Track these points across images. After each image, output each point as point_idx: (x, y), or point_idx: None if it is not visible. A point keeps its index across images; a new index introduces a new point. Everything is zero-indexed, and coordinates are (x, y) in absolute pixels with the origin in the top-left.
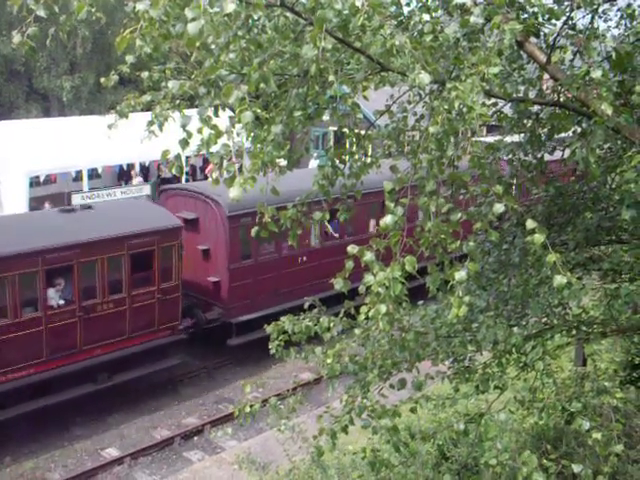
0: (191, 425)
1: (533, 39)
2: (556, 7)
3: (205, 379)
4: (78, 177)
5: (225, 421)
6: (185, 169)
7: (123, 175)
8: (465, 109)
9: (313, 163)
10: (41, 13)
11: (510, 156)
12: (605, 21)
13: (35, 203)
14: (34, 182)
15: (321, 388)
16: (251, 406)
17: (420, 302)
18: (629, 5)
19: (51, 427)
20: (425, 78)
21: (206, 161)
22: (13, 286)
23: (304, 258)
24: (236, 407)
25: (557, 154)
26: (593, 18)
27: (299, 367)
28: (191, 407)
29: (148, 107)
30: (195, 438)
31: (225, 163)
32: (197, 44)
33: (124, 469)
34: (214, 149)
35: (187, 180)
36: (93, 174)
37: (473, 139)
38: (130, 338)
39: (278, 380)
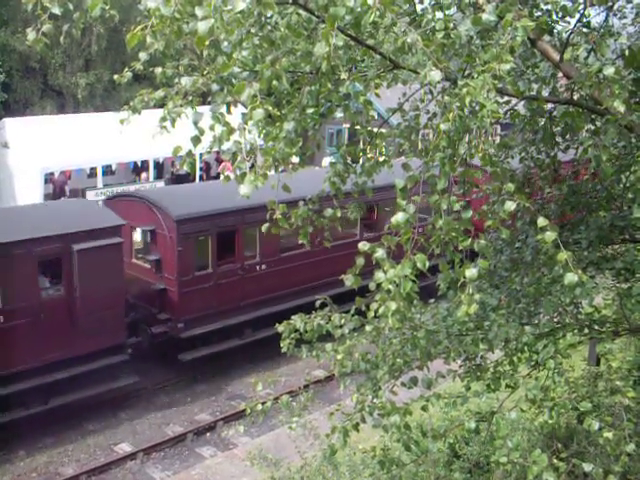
0: (203, 421)
1: (546, 37)
2: (570, 4)
3: (218, 376)
4: (92, 173)
5: (237, 417)
6: (199, 165)
7: (137, 171)
8: (477, 106)
9: (326, 161)
10: (55, 10)
11: (523, 154)
12: (620, 19)
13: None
14: (49, 179)
15: (333, 385)
16: (263, 403)
17: (431, 300)
18: None
19: (65, 422)
20: (436, 75)
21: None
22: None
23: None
24: (247, 404)
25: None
26: (608, 15)
27: (311, 364)
28: (203, 403)
29: (162, 103)
30: (207, 434)
31: (239, 159)
32: (206, 42)
33: (137, 464)
34: (226, 146)
35: (201, 177)
36: (107, 171)
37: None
38: None
39: (290, 377)
